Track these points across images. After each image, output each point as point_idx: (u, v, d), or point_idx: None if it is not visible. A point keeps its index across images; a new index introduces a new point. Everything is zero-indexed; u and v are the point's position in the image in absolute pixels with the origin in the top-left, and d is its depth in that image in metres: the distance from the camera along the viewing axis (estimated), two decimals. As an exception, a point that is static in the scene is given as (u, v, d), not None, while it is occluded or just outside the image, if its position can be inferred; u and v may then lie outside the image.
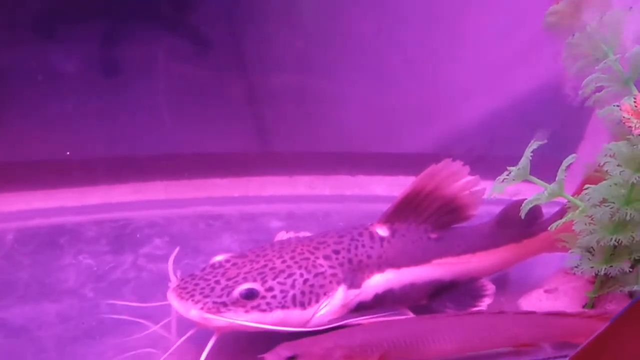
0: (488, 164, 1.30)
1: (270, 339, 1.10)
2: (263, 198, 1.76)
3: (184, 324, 1.15)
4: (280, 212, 1.70)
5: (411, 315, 1.22)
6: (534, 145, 1.17)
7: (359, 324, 1.16)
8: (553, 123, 1.52)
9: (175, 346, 1.11)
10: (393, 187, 1.77)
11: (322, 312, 1.15)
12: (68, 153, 1.65)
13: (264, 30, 1.76)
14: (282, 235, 1.44)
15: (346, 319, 1.17)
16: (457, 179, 1.26)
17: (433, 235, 1.28)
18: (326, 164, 1.82)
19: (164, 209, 1.68)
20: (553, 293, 1.30)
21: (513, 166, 1.19)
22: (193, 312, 1.10)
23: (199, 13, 1.77)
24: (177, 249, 1.28)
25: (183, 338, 1.10)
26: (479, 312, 1.21)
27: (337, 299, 1.17)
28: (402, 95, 1.81)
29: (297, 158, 1.83)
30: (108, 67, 1.74)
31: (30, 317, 1.26)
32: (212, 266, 1.18)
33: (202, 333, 1.12)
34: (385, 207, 1.30)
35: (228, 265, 1.17)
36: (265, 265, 1.16)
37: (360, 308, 1.21)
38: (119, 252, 1.49)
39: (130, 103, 1.75)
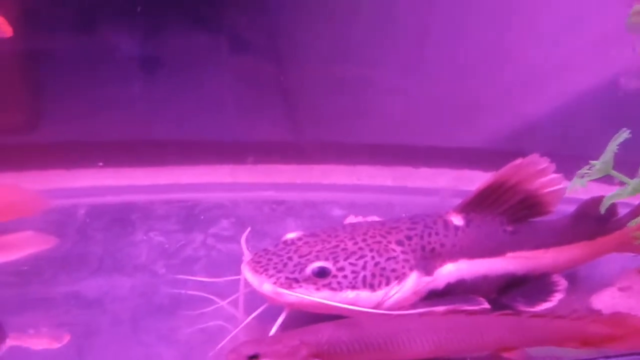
0: (556, 160, 1.28)
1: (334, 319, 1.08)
2: (325, 186, 1.77)
3: (252, 300, 1.17)
4: (342, 200, 1.70)
5: (485, 304, 1.18)
6: (620, 138, 1.16)
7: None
8: (624, 121, 1.49)
9: (245, 322, 1.12)
10: (457, 180, 1.75)
11: (393, 297, 1.15)
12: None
13: (316, 19, 1.78)
14: (351, 220, 1.44)
15: (418, 307, 1.16)
16: (542, 176, 1.24)
17: (508, 228, 1.26)
18: (388, 155, 1.82)
19: (230, 192, 1.70)
20: (627, 291, 1.28)
21: (578, 163, 1.19)
22: (266, 286, 1.12)
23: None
24: (249, 228, 1.29)
25: (254, 314, 1.12)
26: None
27: (409, 285, 1.16)
28: (466, 88, 1.80)
29: (360, 148, 1.83)
30: (173, 55, 1.78)
31: (104, 291, 1.27)
32: (285, 243, 1.19)
33: (270, 310, 1.13)
34: (450, 200, 1.31)
35: (300, 243, 1.18)
36: (337, 246, 1.16)
37: (431, 296, 1.20)
38: (189, 230, 1.50)
39: (198, 89, 1.78)
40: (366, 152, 1.83)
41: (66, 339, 1.14)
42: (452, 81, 1.80)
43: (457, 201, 1.27)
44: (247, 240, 1.23)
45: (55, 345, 1.12)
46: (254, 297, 1.14)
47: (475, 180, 1.62)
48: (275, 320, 1.10)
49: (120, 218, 1.54)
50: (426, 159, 1.81)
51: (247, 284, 1.15)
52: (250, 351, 0.99)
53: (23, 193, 1.48)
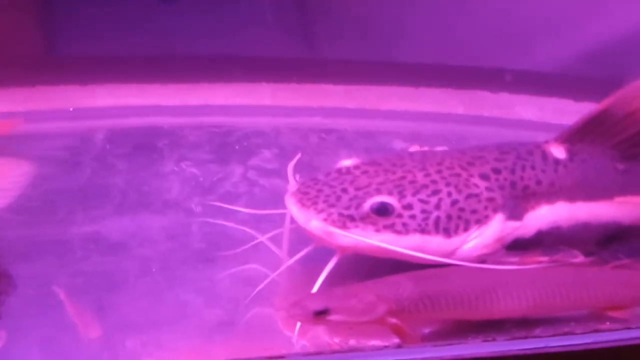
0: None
1: (397, 268, 0.97)
2: (383, 112, 1.61)
3: (297, 239, 1.05)
4: (403, 130, 1.54)
5: (581, 258, 1.02)
6: None
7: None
8: None
9: (286, 265, 1.02)
10: (545, 111, 1.57)
11: (470, 244, 1.01)
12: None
13: None
14: (416, 149, 1.28)
15: (501, 257, 1.01)
16: None
17: (620, 166, 1.11)
18: (460, 76, 1.63)
19: (271, 117, 1.56)
20: None
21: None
22: (314, 223, 0.99)
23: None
24: (299, 155, 1.16)
25: (297, 256, 1.00)
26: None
27: (492, 230, 1.02)
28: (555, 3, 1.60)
29: (424, 67, 1.65)
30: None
31: (129, 232, 1.15)
32: (339, 171, 1.06)
33: (319, 252, 1.00)
34: (534, 134, 1.18)
35: (357, 172, 1.05)
36: (404, 177, 1.02)
37: (517, 245, 1.05)
38: (225, 162, 1.37)
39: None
40: (431, 72, 1.65)
41: (84, 291, 1.01)
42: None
43: (543, 137, 1.12)
44: (293, 173, 1.11)
45: (71, 299, 1.00)
46: (303, 234, 1.02)
47: (566, 111, 1.51)
48: (325, 264, 0.98)
49: (145, 144, 1.41)
50: (507, 83, 1.61)
51: (293, 219, 1.03)
52: (318, 305, 0.89)
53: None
